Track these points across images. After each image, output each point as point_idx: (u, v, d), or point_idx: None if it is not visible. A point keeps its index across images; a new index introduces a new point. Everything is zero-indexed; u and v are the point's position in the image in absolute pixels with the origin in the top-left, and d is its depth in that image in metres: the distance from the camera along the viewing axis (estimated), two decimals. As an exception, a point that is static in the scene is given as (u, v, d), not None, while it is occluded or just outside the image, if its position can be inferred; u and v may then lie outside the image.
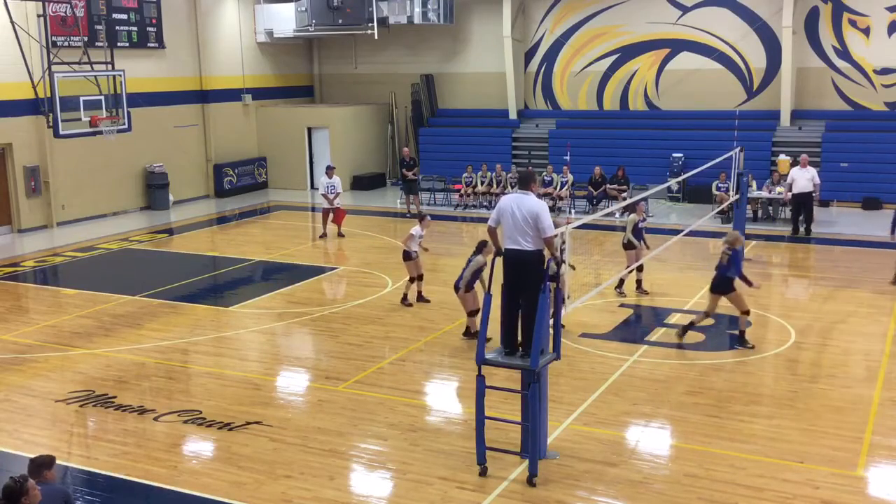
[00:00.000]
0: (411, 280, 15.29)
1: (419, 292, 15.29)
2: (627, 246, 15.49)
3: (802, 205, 20.48)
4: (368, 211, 24.60)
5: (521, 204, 8.85)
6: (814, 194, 20.49)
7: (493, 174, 24.87)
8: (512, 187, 24.01)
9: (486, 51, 28.59)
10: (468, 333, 13.26)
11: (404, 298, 15.20)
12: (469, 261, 13.13)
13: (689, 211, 23.69)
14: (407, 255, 15.11)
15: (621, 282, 15.53)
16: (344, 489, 8.88)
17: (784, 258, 18.95)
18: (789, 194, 20.58)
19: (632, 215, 15.59)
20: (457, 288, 13.16)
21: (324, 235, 21.25)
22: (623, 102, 27.46)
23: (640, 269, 15.70)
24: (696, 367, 12.22)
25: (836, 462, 9.22)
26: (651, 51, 26.75)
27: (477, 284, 13.14)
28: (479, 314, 12.90)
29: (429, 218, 15.90)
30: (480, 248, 13.03)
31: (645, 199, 22.31)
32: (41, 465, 6.56)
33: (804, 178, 20.25)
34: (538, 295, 8.72)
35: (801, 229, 20.51)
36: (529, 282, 8.85)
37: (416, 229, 15.21)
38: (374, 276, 17.26)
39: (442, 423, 10.47)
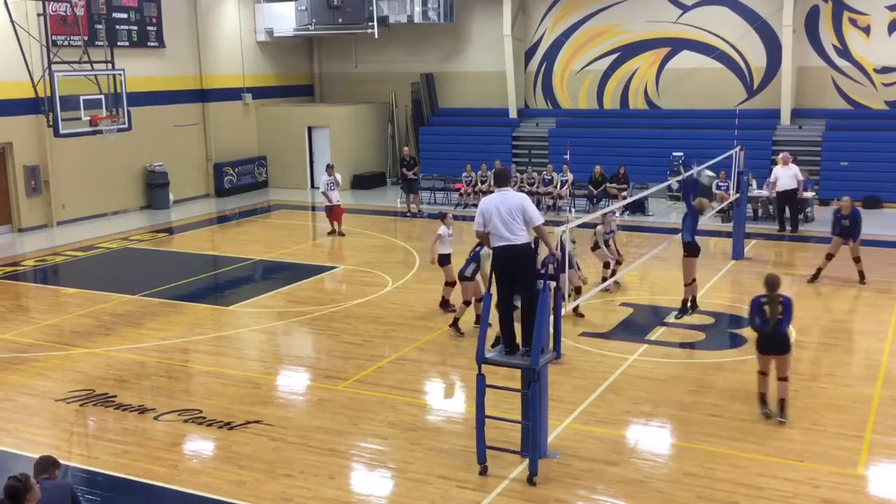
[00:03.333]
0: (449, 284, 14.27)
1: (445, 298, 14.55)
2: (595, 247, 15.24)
3: (787, 202, 20.63)
4: (369, 210, 24.59)
5: (503, 200, 8.94)
6: (798, 191, 20.57)
7: (493, 171, 24.81)
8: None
9: (486, 50, 28.57)
10: None
11: (445, 304, 14.53)
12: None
13: (689, 210, 23.62)
14: (444, 260, 14.37)
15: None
16: (344, 488, 8.88)
17: (784, 257, 18.94)
18: (774, 192, 20.73)
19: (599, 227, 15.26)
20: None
21: (332, 231, 21.26)
22: (623, 101, 27.45)
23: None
24: (697, 366, 12.22)
25: (837, 461, 9.22)
26: (651, 50, 26.74)
27: None
28: None
29: (451, 215, 15.00)
30: None
31: (645, 197, 22.56)
32: (49, 465, 6.62)
33: (787, 176, 20.39)
34: (533, 285, 8.79)
35: (788, 227, 20.60)
36: (522, 274, 8.94)
37: (442, 229, 14.46)
38: (375, 276, 17.25)
39: (442, 422, 10.47)
